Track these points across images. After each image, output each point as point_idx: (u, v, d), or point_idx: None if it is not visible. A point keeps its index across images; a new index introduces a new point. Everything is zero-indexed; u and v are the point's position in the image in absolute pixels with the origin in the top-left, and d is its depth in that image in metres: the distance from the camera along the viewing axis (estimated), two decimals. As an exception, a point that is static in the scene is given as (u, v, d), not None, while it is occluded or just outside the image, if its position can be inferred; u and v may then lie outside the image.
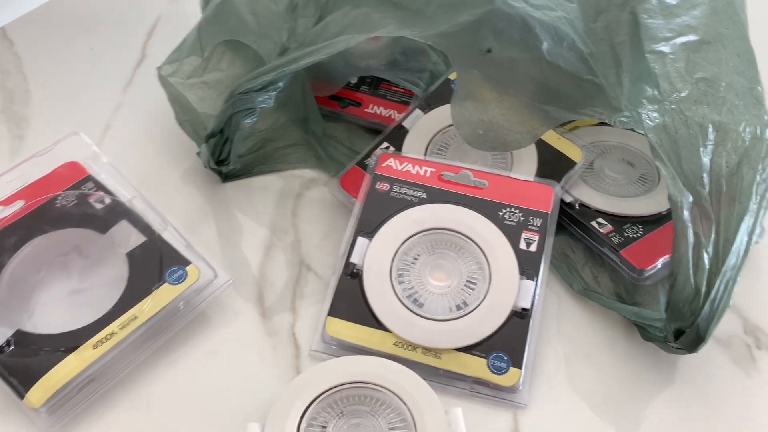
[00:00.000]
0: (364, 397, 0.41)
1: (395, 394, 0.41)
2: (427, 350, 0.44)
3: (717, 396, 0.45)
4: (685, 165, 0.43)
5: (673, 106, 0.45)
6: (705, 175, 0.43)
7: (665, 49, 0.47)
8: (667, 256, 0.49)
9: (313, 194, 0.56)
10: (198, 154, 0.55)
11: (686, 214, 0.41)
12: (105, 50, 0.67)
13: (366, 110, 0.60)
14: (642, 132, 0.44)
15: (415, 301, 0.46)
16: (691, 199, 0.42)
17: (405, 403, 0.41)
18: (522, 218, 0.48)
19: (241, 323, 0.47)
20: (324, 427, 0.40)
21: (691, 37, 0.47)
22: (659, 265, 0.48)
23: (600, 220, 0.51)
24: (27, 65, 0.65)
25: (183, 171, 0.57)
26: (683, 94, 0.45)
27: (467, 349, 0.44)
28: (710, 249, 0.41)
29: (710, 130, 0.44)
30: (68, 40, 0.68)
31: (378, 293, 0.46)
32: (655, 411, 0.44)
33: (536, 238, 0.47)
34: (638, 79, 0.47)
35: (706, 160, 0.43)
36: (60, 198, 0.48)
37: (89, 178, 0.50)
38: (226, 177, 0.56)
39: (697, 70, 0.46)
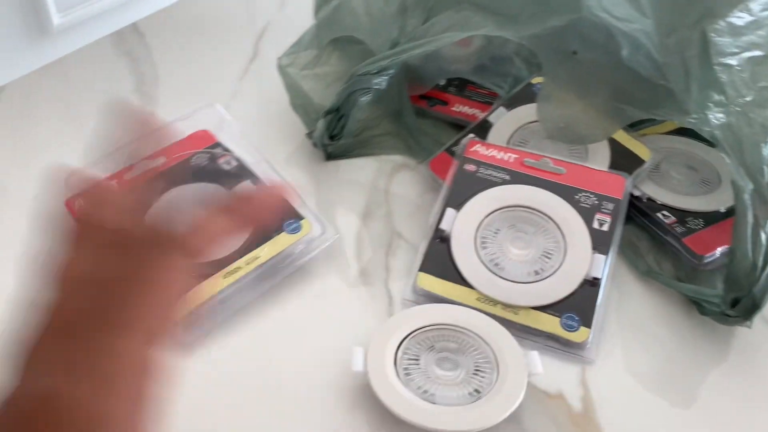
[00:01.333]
0: (453, 336, 0.47)
1: (480, 338, 0.47)
2: (506, 306, 0.50)
3: (766, 371, 0.50)
4: (747, 157, 0.49)
5: (738, 109, 0.51)
6: (765, 167, 0.48)
7: (732, 62, 0.53)
8: (725, 246, 0.54)
9: (403, 175, 0.63)
10: (308, 134, 0.63)
11: (747, 197, 0.47)
12: (223, 46, 0.76)
13: (452, 108, 0.67)
14: (708, 129, 0.50)
15: (496, 264, 0.52)
16: (751, 186, 0.47)
17: (489, 345, 0.47)
18: (596, 202, 0.54)
19: (341, 274, 0.54)
20: (416, 358, 0.47)
21: (756, 53, 0.53)
22: (717, 254, 0.54)
23: (665, 212, 0.57)
24: (156, 54, 0.75)
25: (290, 151, 0.65)
26: (748, 99, 0.51)
27: (542, 308, 0.50)
28: (767, 229, 0.46)
29: (771, 129, 0.49)
30: (191, 36, 0.77)
31: (464, 255, 0.52)
32: (709, 381, 0.49)
33: (608, 219, 0.53)
34: (706, 86, 0.53)
35: (766, 154, 0.49)
36: (195, 157, 0.56)
37: (218, 144, 0.58)
38: (330, 156, 0.63)
39: (761, 79, 0.52)
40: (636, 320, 0.53)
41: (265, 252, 0.51)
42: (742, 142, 0.49)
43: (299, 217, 0.53)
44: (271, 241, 0.52)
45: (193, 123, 0.59)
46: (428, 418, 0.42)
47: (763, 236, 0.46)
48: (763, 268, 0.45)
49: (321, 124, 0.57)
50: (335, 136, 0.58)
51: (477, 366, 0.46)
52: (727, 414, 0.47)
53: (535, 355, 0.46)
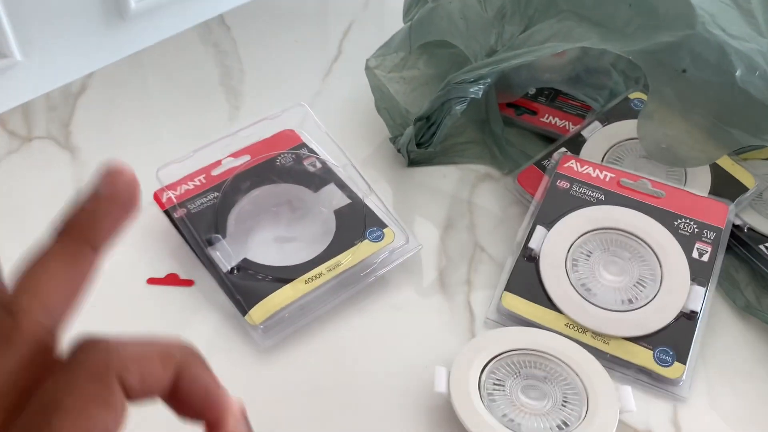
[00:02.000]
0: (540, 364, 0.45)
1: (569, 367, 0.45)
2: (596, 335, 0.48)
3: None
4: None
5: None
6: None
7: None
8: (836, 286, 0.50)
9: (487, 187, 0.61)
10: (391, 139, 0.62)
11: None
12: (307, 43, 0.76)
13: (541, 119, 0.65)
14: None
15: (588, 290, 0.50)
16: None
17: (578, 376, 0.44)
18: (696, 230, 0.51)
19: (422, 286, 0.53)
20: (502, 383, 0.45)
21: None
22: (827, 294, 0.50)
23: (767, 244, 0.53)
24: (241, 48, 0.75)
25: (369, 153, 0.64)
26: None
27: (635, 340, 0.47)
28: None
29: None
30: (276, 31, 0.77)
31: (553, 277, 0.50)
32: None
33: (709, 249, 0.50)
34: (824, 113, 0.49)
35: None
36: (280, 157, 0.56)
37: (303, 145, 0.57)
38: (412, 162, 0.62)
39: None
40: (732, 359, 0.49)
41: (347, 259, 0.50)
42: None
43: (382, 225, 0.52)
44: (354, 248, 0.51)
45: (279, 122, 0.59)
46: (513, 448, 0.40)
47: None
48: None
49: (409, 131, 0.56)
50: (423, 144, 0.57)
51: (565, 397, 0.44)
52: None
53: (628, 390, 0.43)
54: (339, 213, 0.53)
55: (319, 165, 0.56)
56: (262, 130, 0.58)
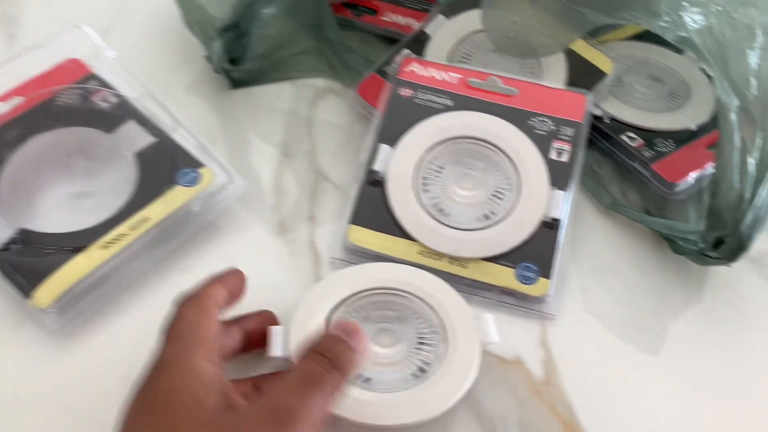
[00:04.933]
0: (391, 303, 0.40)
1: (423, 301, 0.39)
2: (453, 259, 0.43)
3: (744, 312, 0.44)
4: (732, 68, 0.41)
5: (719, 8, 0.42)
6: (752, 78, 0.41)
7: (708, -51, 0.44)
8: (698, 170, 0.47)
9: (327, 103, 0.53)
10: (207, 57, 0.52)
11: (733, 116, 0.39)
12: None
13: (382, 18, 0.57)
14: (683, 34, 0.42)
15: (440, 210, 0.44)
16: (737, 102, 0.40)
17: (434, 310, 0.39)
18: (553, 127, 0.46)
19: (256, 231, 0.45)
20: (349, 332, 0.39)
21: (738, -63, 0.44)
22: (691, 180, 0.47)
23: (630, 134, 0.49)
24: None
25: (188, 78, 0.54)
26: (730, -4, 0.43)
27: (495, 259, 0.43)
28: (756, 155, 0.39)
29: (759, 32, 0.41)
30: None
31: (402, 201, 0.44)
32: (681, 326, 0.43)
33: (568, 148, 0.45)
34: (678, -18, 0.44)
35: (753, 63, 0.41)
36: (62, 95, 0.45)
37: (93, 77, 0.47)
38: (236, 83, 0.52)
39: (744, -30, 0.43)
40: (600, 262, 0.46)
41: (156, 212, 0.41)
42: (725, 50, 0.41)
43: (197, 165, 0.43)
44: (163, 197, 0.42)
45: (59, 50, 0.48)
46: (364, 411, 0.35)
47: (751, 162, 0.39)
48: (751, 201, 0.39)
49: (217, 45, 0.46)
50: (237, 59, 0.48)
51: (421, 337, 0.39)
52: (699, 359, 0.42)
53: (488, 319, 0.39)
54: (142, 156, 0.44)
55: (114, 100, 0.46)
56: (36, 63, 0.46)
